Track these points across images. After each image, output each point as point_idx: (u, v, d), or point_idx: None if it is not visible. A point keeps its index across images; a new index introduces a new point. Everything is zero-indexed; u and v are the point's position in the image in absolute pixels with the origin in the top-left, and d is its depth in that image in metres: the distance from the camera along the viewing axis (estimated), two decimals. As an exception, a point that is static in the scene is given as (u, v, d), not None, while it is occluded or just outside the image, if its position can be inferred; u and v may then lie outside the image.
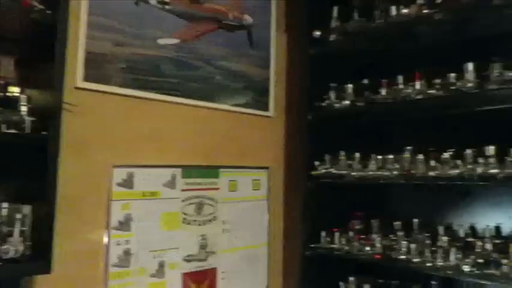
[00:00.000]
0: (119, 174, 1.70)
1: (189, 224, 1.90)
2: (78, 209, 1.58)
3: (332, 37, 2.17)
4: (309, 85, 2.23)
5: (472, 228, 1.88)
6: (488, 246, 1.68)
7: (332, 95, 2.15)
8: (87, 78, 1.62)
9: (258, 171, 2.23)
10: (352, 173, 1.99)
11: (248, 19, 2.22)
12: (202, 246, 1.95)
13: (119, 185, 1.69)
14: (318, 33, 2.19)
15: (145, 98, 1.79)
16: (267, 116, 2.29)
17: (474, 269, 1.63)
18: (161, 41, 1.86)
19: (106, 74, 1.69)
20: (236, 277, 2.08)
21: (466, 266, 1.64)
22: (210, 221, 1.99)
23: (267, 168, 2.27)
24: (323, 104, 2.15)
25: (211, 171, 2.02)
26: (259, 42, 2.27)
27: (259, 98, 2.26)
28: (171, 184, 1.86)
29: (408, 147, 1.89)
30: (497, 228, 1.82)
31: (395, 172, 1.85)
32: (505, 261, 1.58)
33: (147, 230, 1.76)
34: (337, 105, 2.10)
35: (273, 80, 2.33)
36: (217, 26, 2.09)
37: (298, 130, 2.29)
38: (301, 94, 2.28)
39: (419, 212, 2.03)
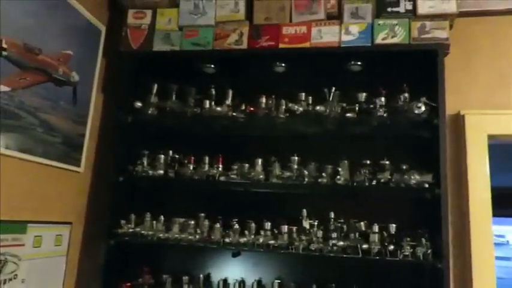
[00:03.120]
0: None
1: (-12, 284, 1.75)
2: None
3: (150, 110, 2.46)
4: (121, 149, 2.41)
5: (243, 282, 2.44)
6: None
7: (145, 161, 2.42)
8: None
9: (62, 226, 2.22)
10: (159, 234, 2.27)
11: (75, 76, 2.28)
12: (-3, 309, 1.81)
13: None
14: (139, 104, 2.43)
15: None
16: (77, 172, 2.34)
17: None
18: (-8, 87, 1.76)
19: None
20: None
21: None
22: (10, 280, 1.86)
23: (70, 223, 2.28)
24: (136, 168, 2.38)
25: (18, 226, 1.92)
26: (80, 100, 2.35)
27: (72, 154, 2.30)
28: (-22, 241, 1.70)
29: (202, 214, 2.32)
30: (259, 282, 2.43)
31: (197, 236, 2.24)
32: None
33: None
34: (150, 172, 2.37)
35: (88, 137, 2.41)
36: (46, 78, 2.09)
37: (106, 188, 2.41)
38: (114, 156, 2.42)
39: (197, 268, 2.48)
